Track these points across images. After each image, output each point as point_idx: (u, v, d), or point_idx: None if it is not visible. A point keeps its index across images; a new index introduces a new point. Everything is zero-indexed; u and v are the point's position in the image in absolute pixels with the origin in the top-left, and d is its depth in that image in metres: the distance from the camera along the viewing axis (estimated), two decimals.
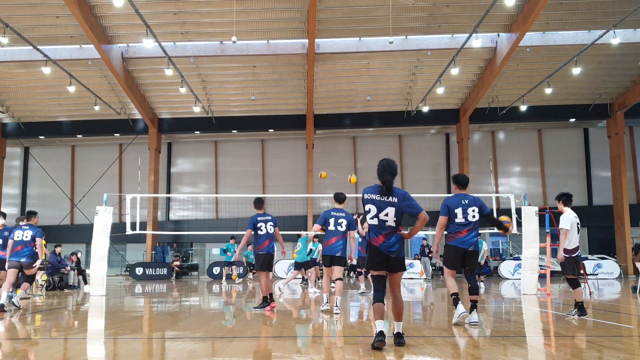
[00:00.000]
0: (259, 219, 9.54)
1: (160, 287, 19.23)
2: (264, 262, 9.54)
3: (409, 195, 5.72)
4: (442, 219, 7.40)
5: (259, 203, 9.78)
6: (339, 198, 9.34)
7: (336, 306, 8.84)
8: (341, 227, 9.09)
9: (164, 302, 12.48)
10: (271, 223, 9.56)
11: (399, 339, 5.60)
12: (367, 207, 5.72)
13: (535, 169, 31.27)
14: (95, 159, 31.51)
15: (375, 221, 5.68)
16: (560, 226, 8.64)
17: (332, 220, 9.09)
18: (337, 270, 9.16)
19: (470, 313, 7.41)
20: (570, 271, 8.60)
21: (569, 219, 8.58)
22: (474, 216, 7.36)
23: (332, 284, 9.95)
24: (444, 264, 7.60)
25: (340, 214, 9.16)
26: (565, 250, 8.60)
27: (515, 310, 10.73)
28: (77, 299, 13.52)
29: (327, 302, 9.33)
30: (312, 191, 27.72)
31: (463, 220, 7.34)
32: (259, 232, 9.49)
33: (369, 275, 6.50)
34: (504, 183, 31.17)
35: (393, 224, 5.66)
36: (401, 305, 5.72)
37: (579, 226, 8.72)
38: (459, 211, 7.36)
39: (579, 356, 5.35)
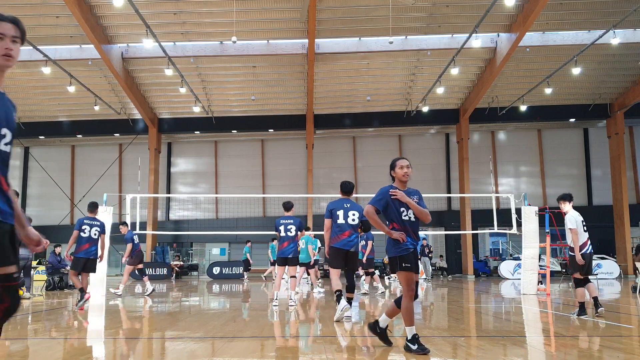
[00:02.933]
0: None
1: (160, 287, 19.23)
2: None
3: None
4: (327, 222, 7.96)
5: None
6: (287, 207, 10.46)
7: (291, 299, 10.47)
8: (291, 232, 10.17)
9: (163, 302, 12.48)
10: (97, 228, 10.41)
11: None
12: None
13: (535, 169, 31.28)
14: (95, 159, 31.52)
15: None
16: (569, 227, 8.73)
17: (282, 228, 10.18)
18: (292, 269, 10.58)
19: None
20: (578, 269, 8.69)
21: (574, 218, 8.71)
22: (353, 220, 7.93)
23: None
24: (328, 264, 8.11)
25: (289, 221, 10.24)
26: (572, 249, 8.76)
27: (515, 310, 10.74)
28: (77, 299, 13.50)
29: (276, 299, 10.37)
30: (312, 191, 27.72)
31: (344, 222, 7.89)
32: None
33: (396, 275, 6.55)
34: (503, 183, 31.17)
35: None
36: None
37: (584, 223, 8.78)
38: (340, 213, 7.92)
39: (579, 356, 5.35)
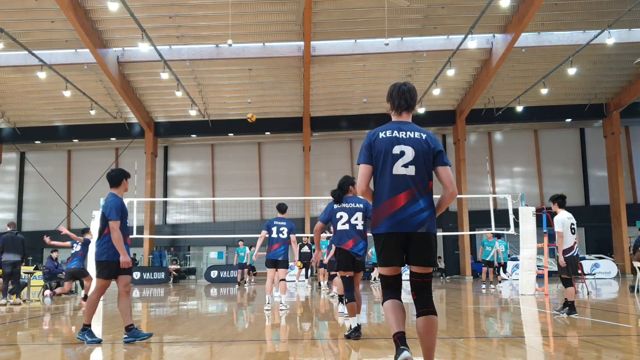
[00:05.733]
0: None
1: (158, 291, 19.18)
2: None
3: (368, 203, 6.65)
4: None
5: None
6: (282, 209, 10.42)
7: (281, 303, 10.37)
8: (283, 234, 10.14)
9: (161, 306, 12.44)
10: None
11: (356, 333, 6.35)
12: (338, 214, 6.75)
13: (532, 169, 31.31)
14: (91, 163, 31.40)
15: (347, 226, 6.67)
16: (555, 230, 8.85)
17: (274, 229, 10.12)
18: (282, 272, 10.37)
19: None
20: (564, 271, 8.79)
21: (561, 221, 8.71)
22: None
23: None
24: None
25: (282, 223, 10.19)
26: (562, 251, 8.81)
27: (513, 310, 10.73)
28: (75, 304, 13.46)
29: (268, 303, 10.39)
30: (309, 194, 27.70)
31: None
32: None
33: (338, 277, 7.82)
34: (500, 184, 31.19)
35: (362, 228, 6.69)
36: (359, 301, 6.66)
37: (574, 226, 8.81)
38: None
39: (578, 356, 5.34)
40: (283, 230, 10.05)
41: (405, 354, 3.69)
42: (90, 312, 6.39)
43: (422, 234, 3.78)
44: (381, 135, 3.98)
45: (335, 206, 6.78)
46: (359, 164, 4.01)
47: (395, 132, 3.95)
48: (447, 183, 3.84)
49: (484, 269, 17.87)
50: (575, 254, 8.77)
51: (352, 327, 6.36)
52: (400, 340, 3.77)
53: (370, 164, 3.96)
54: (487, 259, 17.78)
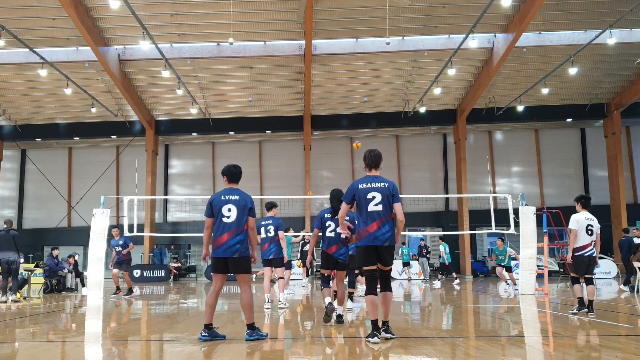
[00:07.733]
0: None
1: (158, 289, 19.21)
2: None
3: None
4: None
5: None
6: (268, 207, 10.54)
7: (280, 301, 10.54)
8: (270, 232, 10.14)
9: (162, 304, 12.45)
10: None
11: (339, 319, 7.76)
12: (327, 223, 7.86)
13: (532, 169, 31.29)
14: (92, 161, 31.43)
15: (332, 234, 7.77)
16: (569, 227, 9.02)
17: (262, 229, 10.16)
18: (278, 271, 10.49)
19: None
20: (572, 269, 8.87)
21: (576, 220, 8.81)
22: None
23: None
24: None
25: (268, 222, 10.20)
26: (573, 249, 8.89)
27: (513, 310, 10.74)
28: (75, 302, 13.48)
29: (268, 301, 10.42)
30: (310, 193, 27.68)
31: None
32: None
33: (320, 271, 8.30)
34: (501, 183, 31.19)
35: (345, 237, 7.57)
36: (343, 295, 7.94)
37: (592, 227, 8.83)
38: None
39: (578, 356, 5.35)
40: (270, 228, 10.09)
41: (375, 339, 5.87)
42: (250, 310, 6.37)
43: (387, 246, 6.12)
44: (360, 186, 6.26)
45: (326, 216, 7.87)
46: (343, 200, 6.39)
47: (369, 184, 6.25)
48: (398, 214, 6.12)
49: (503, 270, 17.90)
50: (587, 254, 8.75)
51: (336, 315, 7.78)
52: (374, 325, 6.00)
53: (350, 204, 6.35)
54: (503, 264, 17.87)
